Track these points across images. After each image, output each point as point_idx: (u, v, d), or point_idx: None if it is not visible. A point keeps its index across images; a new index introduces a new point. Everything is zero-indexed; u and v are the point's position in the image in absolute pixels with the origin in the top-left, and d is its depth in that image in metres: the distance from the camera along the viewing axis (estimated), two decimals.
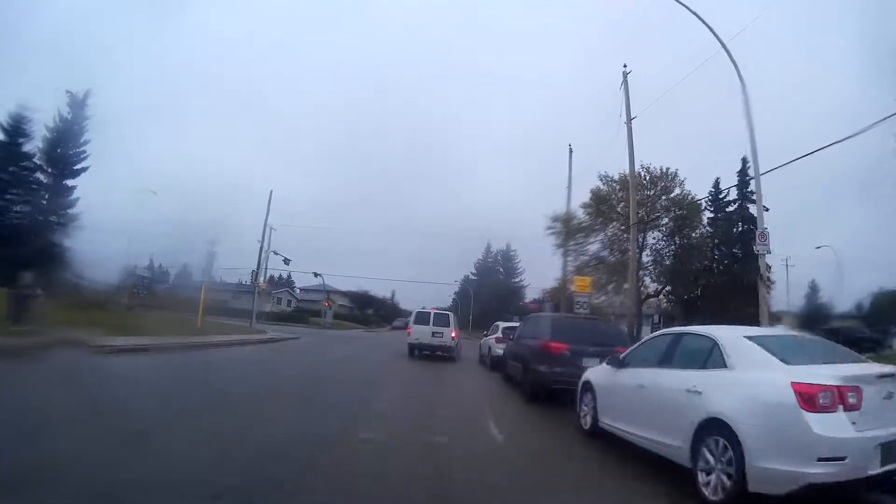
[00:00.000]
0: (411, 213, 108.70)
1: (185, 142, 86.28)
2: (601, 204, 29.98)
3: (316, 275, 55.32)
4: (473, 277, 75.29)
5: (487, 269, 77.13)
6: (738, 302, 24.54)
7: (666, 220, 30.07)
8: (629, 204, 27.35)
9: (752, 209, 30.64)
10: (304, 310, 62.47)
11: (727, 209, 32.69)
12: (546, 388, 9.58)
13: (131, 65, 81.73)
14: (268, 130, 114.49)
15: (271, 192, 35.60)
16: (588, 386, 7.33)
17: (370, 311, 77.64)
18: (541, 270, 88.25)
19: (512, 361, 12.56)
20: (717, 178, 32.02)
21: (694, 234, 31.25)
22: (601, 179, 30.41)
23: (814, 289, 34.71)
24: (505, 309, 61.81)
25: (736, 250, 30.90)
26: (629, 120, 20.99)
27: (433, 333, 18.94)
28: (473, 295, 64.70)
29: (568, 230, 28.60)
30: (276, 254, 36.20)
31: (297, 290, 78.21)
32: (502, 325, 18.41)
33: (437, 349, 19.07)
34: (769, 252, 11.30)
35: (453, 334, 19.33)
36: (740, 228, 31.34)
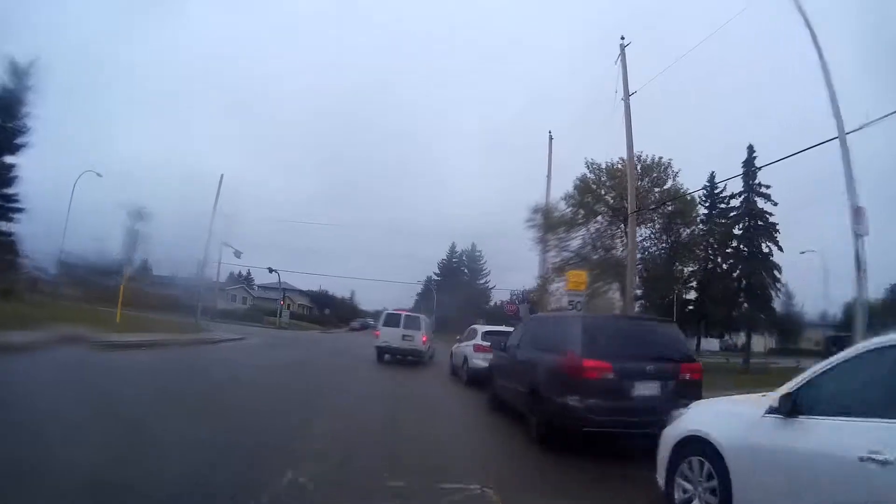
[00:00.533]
0: (375, 211, 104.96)
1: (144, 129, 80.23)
2: (586, 194, 27.01)
3: (271, 270, 51.34)
4: (437, 278, 72.25)
5: (452, 269, 74.59)
6: (746, 304, 22.03)
7: (657, 214, 27.26)
8: (619, 193, 24.70)
9: (761, 203, 28.60)
10: (261, 308, 58.35)
11: (726, 204, 30.34)
12: (574, 430, 6.13)
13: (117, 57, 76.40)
14: (230, 121, 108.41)
15: (222, 175, 31.55)
16: (701, 446, 3.91)
17: (328, 311, 73.70)
18: (507, 272, 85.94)
19: (507, 383, 8.78)
20: (713, 172, 30.18)
21: (685, 232, 28.51)
22: (587, 166, 27.45)
23: (789, 296, 33.14)
24: (471, 311, 59.02)
25: (742, 248, 28.37)
26: (627, 96, 18.74)
27: (404, 336, 17.73)
28: (437, 296, 61.48)
29: (548, 223, 25.76)
30: (227, 245, 33.61)
31: (255, 288, 74.69)
32: (481, 328, 15.32)
33: (408, 353, 17.97)
34: (867, 234, 8.41)
35: (424, 338, 18.00)
36: (747, 224, 28.89)
